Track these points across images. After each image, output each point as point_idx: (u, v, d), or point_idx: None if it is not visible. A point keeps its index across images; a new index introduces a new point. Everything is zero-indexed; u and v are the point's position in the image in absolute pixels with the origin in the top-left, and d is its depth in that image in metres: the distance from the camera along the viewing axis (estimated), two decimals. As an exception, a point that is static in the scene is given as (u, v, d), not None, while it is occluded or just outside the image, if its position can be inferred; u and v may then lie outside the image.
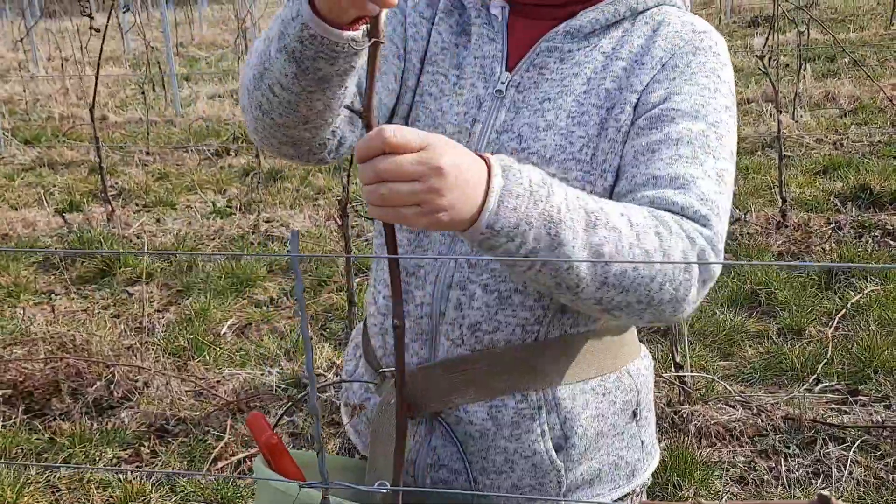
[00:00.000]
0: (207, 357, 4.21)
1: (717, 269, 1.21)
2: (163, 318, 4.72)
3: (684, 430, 3.31)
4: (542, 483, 1.32)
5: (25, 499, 3.19)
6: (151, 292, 5.06)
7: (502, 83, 1.32)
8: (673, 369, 3.51)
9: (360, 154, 1.02)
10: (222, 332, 4.52)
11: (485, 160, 1.08)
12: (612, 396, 1.35)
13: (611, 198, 1.26)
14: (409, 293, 1.33)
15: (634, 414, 1.39)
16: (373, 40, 1.04)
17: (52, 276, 5.48)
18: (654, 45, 1.30)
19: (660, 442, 3.22)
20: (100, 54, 6.28)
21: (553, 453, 1.31)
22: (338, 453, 1.58)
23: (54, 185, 7.41)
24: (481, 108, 1.32)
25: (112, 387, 3.81)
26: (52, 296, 5.16)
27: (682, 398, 3.45)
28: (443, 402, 1.31)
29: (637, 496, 1.44)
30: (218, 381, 3.97)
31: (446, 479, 1.34)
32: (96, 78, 6.06)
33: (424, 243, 1.34)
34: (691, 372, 3.57)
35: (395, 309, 1.09)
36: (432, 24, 1.39)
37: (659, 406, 3.40)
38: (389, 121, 1.39)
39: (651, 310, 1.16)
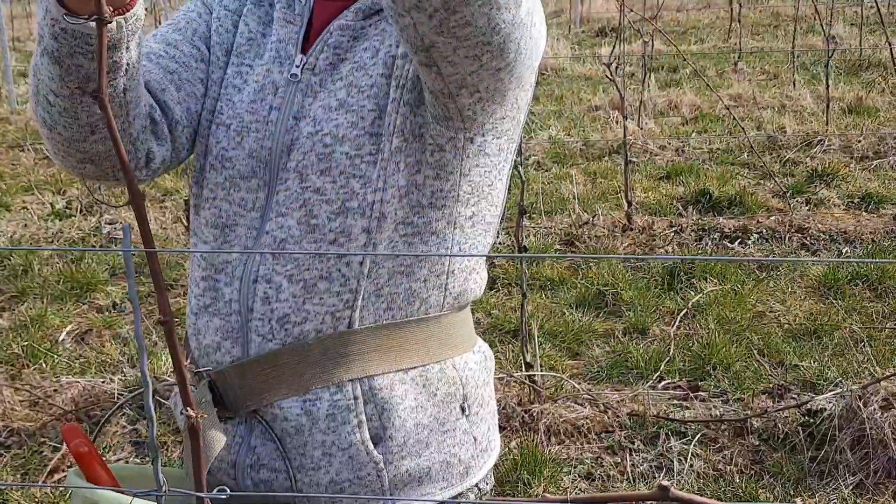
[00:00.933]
0: (44, 365, 4.00)
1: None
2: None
3: (534, 428, 3.35)
4: (361, 477, 1.28)
5: None
6: (-18, 297, 4.78)
7: (297, 66, 1.28)
8: (523, 369, 3.56)
9: None
10: (60, 339, 4.31)
11: None
12: (432, 388, 1.31)
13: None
14: (219, 290, 1.30)
15: (462, 409, 1.35)
16: (95, 17, 1.00)
17: None
18: None
19: (510, 441, 3.26)
20: None
21: (370, 445, 1.27)
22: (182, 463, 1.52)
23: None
24: (277, 93, 1.28)
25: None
26: None
27: (532, 397, 3.50)
28: (258, 399, 1.27)
29: (479, 496, 1.41)
30: (55, 390, 3.78)
31: (267, 480, 1.30)
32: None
33: (230, 238, 1.29)
34: (541, 371, 3.62)
35: (160, 304, 1.04)
36: (239, 16, 1.36)
37: (510, 406, 3.43)
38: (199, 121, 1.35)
39: (479, 36, 1.05)
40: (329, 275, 1.25)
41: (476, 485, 1.39)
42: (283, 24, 1.32)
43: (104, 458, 1.27)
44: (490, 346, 4.08)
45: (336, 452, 1.27)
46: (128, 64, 1.17)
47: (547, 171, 6.83)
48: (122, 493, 1.03)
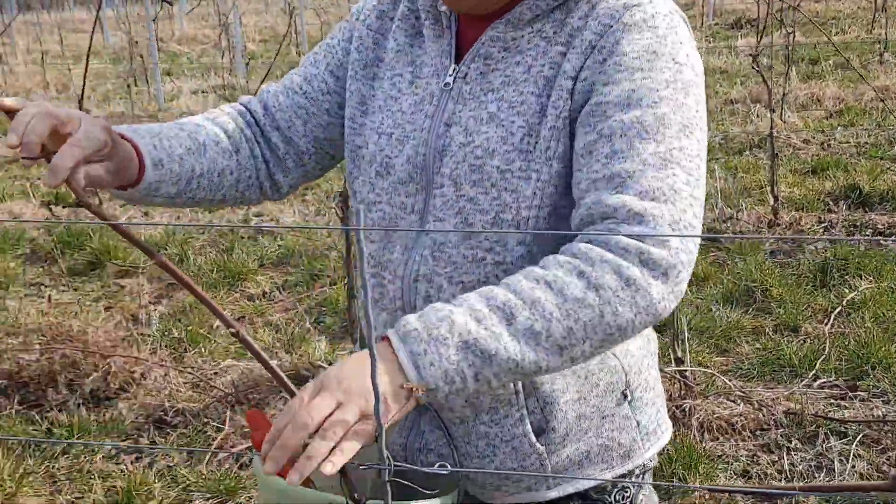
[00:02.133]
0: (203, 349, 4.18)
1: (684, 251, 1.14)
2: (155, 310, 4.68)
3: (687, 424, 3.32)
4: (525, 467, 1.33)
5: (25, 489, 3.15)
6: (142, 285, 5.02)
7: (450, 76, 1.33)
8: (673, 364, 3.52)
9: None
10: (216, 326, 4.49)
11: (385, 338, 1.12)
12: (594, 379, 1.34)
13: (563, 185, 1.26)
14: (385, 287, 1.37)
15: (624, 395, 1.37)
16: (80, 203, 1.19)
17: (41, 269, 5.42)
18: (586, 26, 1.25)
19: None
20: (88, 48, 6.21)
21: (533, 437, 1.31)
22: None
23: (38, 178, 7.33)
24: (432, 102, 1.34)
25: (108, 378, 3.77)
26: (42, 287, 5.11)
27: (683, 393, 3.46)
28: None
29: (638, 476, 1.43)
30: (215, 373, 3.95)
31: (434, 463, 1.33)
32: (85, 70, 5.99)
33: (393, 239, 1.36)
34: (691, 367, 3.58)
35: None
36: (381, 34, 1.44)
37: (661, 400, 3.41)
38: (342, 136, 1.49)
39: (623, 333, 1.13)
40: (487, 279, 1.29)
41: (643, 463, 1.42)
42: (435, 39, 1.37)
43: None
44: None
45: (499, 444, 1.32)
46: (177, 192, 1.37)
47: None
48: (369, 467, 1.07)
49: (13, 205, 6.53)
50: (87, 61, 5.91)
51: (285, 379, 1.16)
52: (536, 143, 1.25)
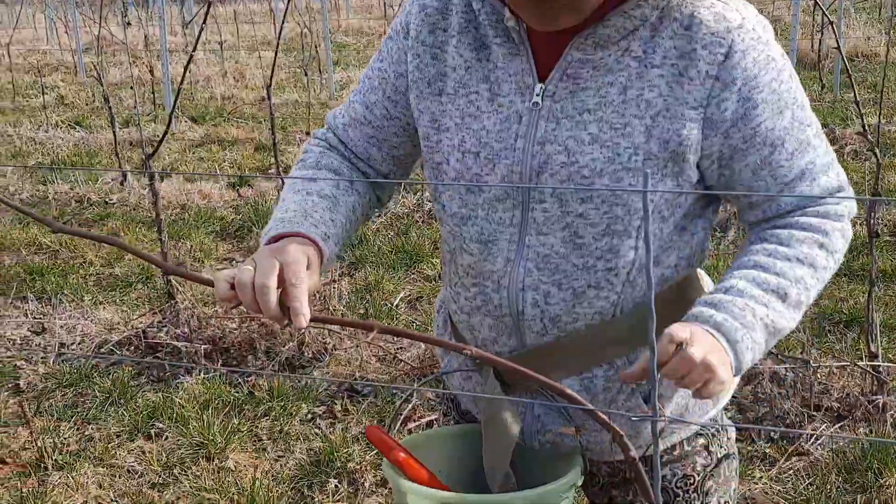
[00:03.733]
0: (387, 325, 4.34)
1: (851, 202, 1.41)
2: (337, 288, 4.89)
3: (881, 419, 3.25)
4: (639, 431, 1.46)
5: (233, 445, 3.38)
6: (326, 263, 5.25)
7: (537, 95, 1.36)
8: (866, 359, 3.45)
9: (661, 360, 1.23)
10: (395, 304, 4.66)
11: (708, 332, 1.28)
12: None
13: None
14: (488, 295, 1.44)
15: None
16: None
17: (230, 245, 5.74)
18: (696, 55, 1.30)
19: (855, 428, 3.19)
20: (278, 39, 6.51)
21: (644, 406, 1.44)
22: (444, 414, 1.73)
23: (224, 161, 7.73)
24: (521, 122, 1.37)
25: (303, 347, 3.98)
26: (233, 262, 5.41)
27: (875, 388, 3.39)
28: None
29: (721, 416, 1.58)
30: (400, 348, 4.11)
31: (553, 441, 1.48)
32: (274, 61, 6.29)
33: (493, 250, 1.42)
34: (884, 363, 3.49)
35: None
36: (438, 48, 1.43)
37: (853, 395, 3.35)
38: (418, 148, 1.52)
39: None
40: (598, 283, 1.39)
41: (724, 407, 1.58)
42: (511, 58, 1.38)
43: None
44: (817, 335, 3.96)
45: (616, 418, 1.39)
46: (340, 248, 1.44)
47: (865, 160, 6.50)
48: (642, 419, 1.14)
49: (202, 185, 6.91)
50: (276, 53, 6.20)
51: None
52: (647, 160, 1.32)
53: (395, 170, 1.56)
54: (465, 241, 1.44)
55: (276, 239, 1.33)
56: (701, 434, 1.54)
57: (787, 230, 1.36)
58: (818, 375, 3.43)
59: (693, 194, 1.40)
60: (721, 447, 1.56)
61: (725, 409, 1.69)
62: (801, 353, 3.60)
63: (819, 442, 3.21)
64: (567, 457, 1.42)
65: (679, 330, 1.24)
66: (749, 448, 3.23)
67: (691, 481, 1.53)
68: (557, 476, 1.35)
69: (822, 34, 9.98)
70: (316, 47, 10.96)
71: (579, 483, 1.38)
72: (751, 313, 1.29)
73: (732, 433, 1.61)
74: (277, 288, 1.24)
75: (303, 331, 3.92)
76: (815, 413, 3.30)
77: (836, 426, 3.27)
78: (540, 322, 1.41)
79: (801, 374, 3.42)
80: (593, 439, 1.46)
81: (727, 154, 1.35)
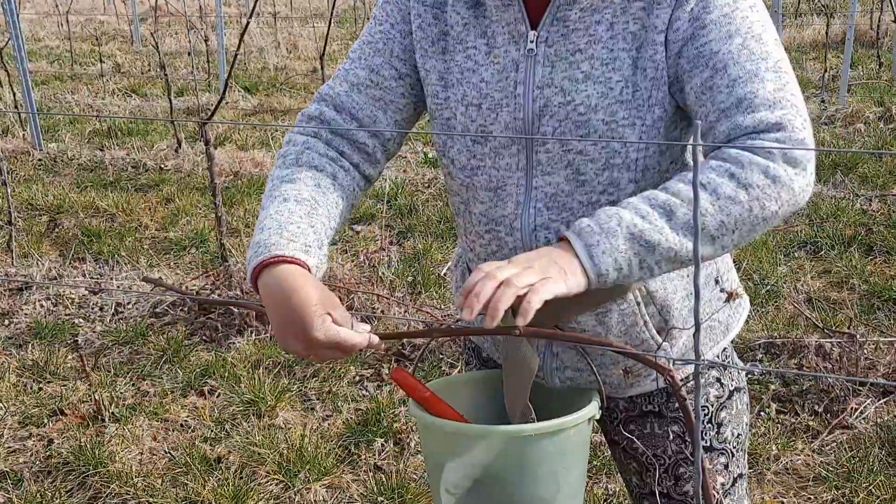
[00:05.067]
0: (434, 293, 4.41)
1: (809, 153, 1.28)
2: (386, 255, 4.96)
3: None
4: (635, 364, 1.50)
5: (283, 404, 3.47)
6: (375, 232, 5.32)
7: (531, 42, 1.40)
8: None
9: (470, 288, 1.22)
10: (443, 273, 4.71)
11: (563, 237, 1.28)
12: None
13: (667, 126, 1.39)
14: (502, 239, 1.49)
15: (717, 280, 1.56)
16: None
17: (282, 212, 5.82)
18: None
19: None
20: (331, 11, 6.56)
21: (658, 336, 1.49)
22: (467, 363, 1.77)
23: (276, 130, 7.83)
24: (518, 69, 1.42)
25: (352, 311, 4.05)
26: (284, 229, 5.50)
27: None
28: (556, 319, 1.39)
29: (731, 350, 1.64)
30: (446, 315, 4.16)
31: (572, 377, 1.53)
32: (328, 32, 6.36)
33: (503, 196, 1.47)
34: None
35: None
36: (439, 8, 1.48)
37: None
38: (418, 111, 1.56)
39: (767, 223, 1.29)
40: None
41: (733, 340, 1.62)
42: (504, 9, 1.43)
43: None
44: (865, 311, 3.94)
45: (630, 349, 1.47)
46: (324, 250, 1.42)
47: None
48: (685, 362, 1.18)
49: (255, 153, 7.02)
50: (330, 24, 6.26)
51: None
52: (636, 92, 1.37)
53: (396, 137, 1.56)
54: (477, 191, 1.49)
55: (262, 267, 1.32)
56: (712, 366, 1.59)
57: (709, 160, 1.30)
58: (865, 350, 3.43)
59: (680, 125, 1.42)
60: (732, 380, 1.62)
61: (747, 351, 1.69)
62: (849, 327, 3.59)
63: (863, 416, 3.21)
64: (585, 392, 1.47)
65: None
66: (793, 420, 3.24)
67: (705, 412, 1.58)
68: (576, 411, 1.39)
69: (881, 12, 9.80)
70: (367, 19, 11.01)
71: (597, 416, 1.42)
72: (616, 221, 1.25)
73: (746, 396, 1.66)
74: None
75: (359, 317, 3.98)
76: (860, 388, 3.30)
77: (882, 401, 3.27)
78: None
79: (847, 349, 3.42)
80: (609, 373, 1.52)
81: (680, 76, 1.36)
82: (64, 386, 3.69)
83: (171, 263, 4.96)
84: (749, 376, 3.41)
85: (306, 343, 1.29)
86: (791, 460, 3.04)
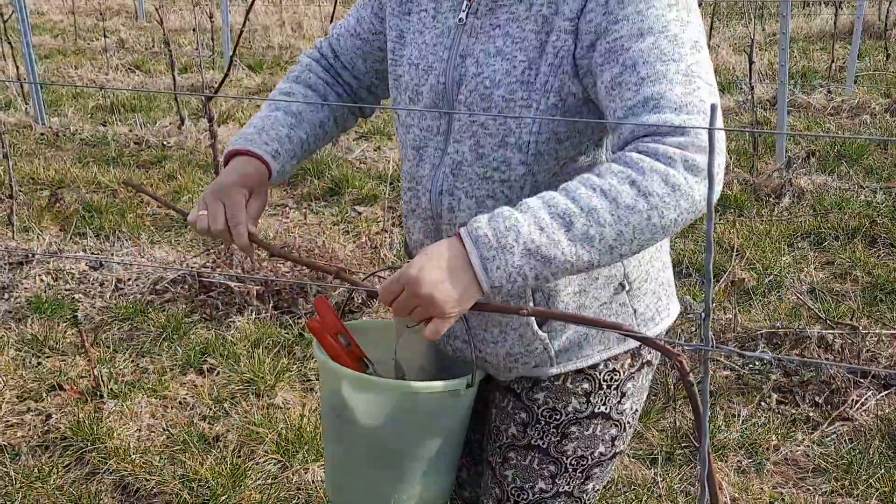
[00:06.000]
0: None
1: (719, 154, 1.25)
2: (388, 237, 4.94)
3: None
4: (530, 350, 1.54)
5: (282, 384, 3.46)
6: (377, 213, 5.30)
7: (463, 11, 1.47)
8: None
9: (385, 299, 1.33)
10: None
11: (458, 236, 1.28)
12: (594, 273, 1.50)
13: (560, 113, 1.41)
14: (419, 198, 1.55)
15: (622, 286, 1.54)
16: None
17: (284, 192, 5.81)
18: None
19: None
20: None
21: (535, 326, 1.52)
22: None
23: (279, 109, 7.78)
24: (449, 36, 1.49)
25: (353, 293, 4.04)
26: (286, 208, 5.48)
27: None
28: None
29: (631, 363, 1.61)
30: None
31: (460, 348, 1.60)
32: (333, 11, 6.31)
33: (423, 156, 1.54)
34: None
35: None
36: None
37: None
38: (384, 72, 1.69)
39: (666, 230, 1.27)
40: (494, 194, 1.47)
41: (639, 350, 1.60)
42: None
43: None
44: (868, 303, 3.94)
45: (509, 332, 1.53)
46: (299, 161, 1.63)
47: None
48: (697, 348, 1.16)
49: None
50: (336, 3, 6.22)
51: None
52: (536, 76, 1.39)
53: (376, 82, 1.72)
54: (407, 149, 1.58)
55: (233, 154, 1.57)
56: (586, 377, 1.61)
57: (612, 163, 1.28)
58: (867, 342, 3.41)
59: (579, 114, 1.43)
60: (649, 352, 1.64)
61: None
62: (852, 319, 3.58)
63: (864, 408, 3.20)
64: (470, 364, 1.55)
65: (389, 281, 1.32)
66: (793, 411, 3.24)
67: (557, 417, 1.61)
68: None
69: (889, 3, 9.75)
70: None
71: (466, 386, 1.50)
72: (514, 235, 1.24)
73: (644, 392, 1.70)
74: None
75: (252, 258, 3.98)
76: (861, 379, 3.29)
77: (883, 393, 3.26)
78: (453, 227, 1.51)
79: (849, 341, 3.41)
80: (490, 352, 1.56)
81: (593, 69, 1.36)
82: (63, 361, 3.68)
83: (173, 240, 4.95)
84: (750, 365, 3.40)
85: (216, 203, 1.50)
86: (791, 451, 3.03)
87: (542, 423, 1.60)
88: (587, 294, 1.52)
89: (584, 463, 1.62)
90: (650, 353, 1.64)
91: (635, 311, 1.57)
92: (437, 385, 1.46)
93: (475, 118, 1.45)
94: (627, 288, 1.55)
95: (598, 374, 1.58)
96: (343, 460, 1.58)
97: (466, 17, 1.47)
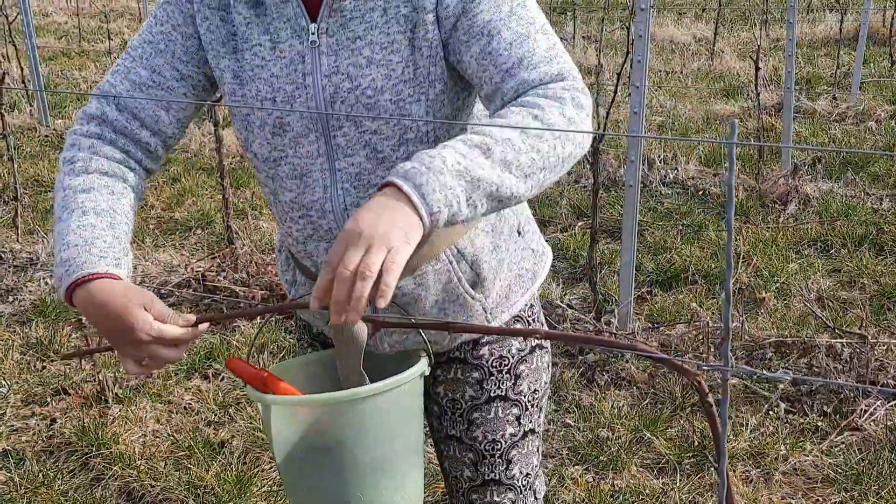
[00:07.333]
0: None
1: (587, 97, 1.42)
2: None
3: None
4: (472, 315, 1.61)
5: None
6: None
7: (313, 34, 1.47)
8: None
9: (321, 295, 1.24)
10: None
11: (391, 182, 1.26)
12: (500, 227, 1.63)
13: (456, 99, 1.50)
14: (315, 223, 1.55)
15: (519, 232, 1.67)
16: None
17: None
18: None
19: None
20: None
21: (471, 291, 1.59)
22: (298, 340, 1.84)
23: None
24: (304, 61, 1.48)
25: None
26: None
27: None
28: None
29: (536, 299, 1.75)
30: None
31: (399, 341, 1.60)
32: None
33: (309, 182, 1.52)
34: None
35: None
36: (225, 10, 1.53)
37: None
38: (199, 108, 1.61)
39: (566, 164, 1.38)
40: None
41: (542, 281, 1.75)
42: (282, 6, 1.48)
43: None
44: (876, 312, 3.90)
45: (448, 305, 1.59)
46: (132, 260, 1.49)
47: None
48: (714, 366, 1.15)
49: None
50: None
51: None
52: (416, 70, 1.46)
53: (177, 133, 1.60)
54: (283, 180, 1.54)
55: (76, 285, 1.37)
56: (518, 319, 1.70)
57: (510, 107, 1.37)
58: (875, 352, 3.40)
59: (461, 95, 1.52)
60: (537, 337, 1.66)
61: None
62: (860, 328, 3.56)
63: (873, 418, 3.19)
64: (414, 354, 1.53)
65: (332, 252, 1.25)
66: (801, 420, 3.22)
67: (506, 362, 1.67)
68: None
69: (894, 10, 9.74)
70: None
71: (426, 372, 1.48)
72: (440, 160, 1.26)
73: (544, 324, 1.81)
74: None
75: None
76: (870, 389, 3.28)
77: (892, 403, 3.25)
78: None
79: (858, 350, 3.39)
80: (437, 334, 1.59)
81: (457, 48, 1.45)
82: (68, 365, 3.67)
83: (177, 244, 4.94)
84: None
85: (136, 346, 1.37)
86: (799, 461, 3.01)
87: (495, 372, 1.68)
88: (500, 249, 1.63)
89: (537, 396, 1.73)
90: (538, 337, 1.66)
91: (533, 251, 1.71)
92: (414, 370, 1.43)
93: (364, 129, 1.48)
94: (522, 233, 1.68)
95: (525, 314, 1.71)
96: (321, 492, 1.49)
97: (318, 37, 1.46)
